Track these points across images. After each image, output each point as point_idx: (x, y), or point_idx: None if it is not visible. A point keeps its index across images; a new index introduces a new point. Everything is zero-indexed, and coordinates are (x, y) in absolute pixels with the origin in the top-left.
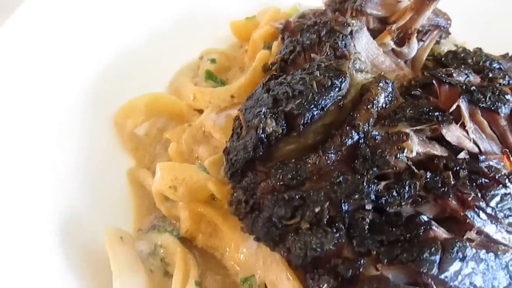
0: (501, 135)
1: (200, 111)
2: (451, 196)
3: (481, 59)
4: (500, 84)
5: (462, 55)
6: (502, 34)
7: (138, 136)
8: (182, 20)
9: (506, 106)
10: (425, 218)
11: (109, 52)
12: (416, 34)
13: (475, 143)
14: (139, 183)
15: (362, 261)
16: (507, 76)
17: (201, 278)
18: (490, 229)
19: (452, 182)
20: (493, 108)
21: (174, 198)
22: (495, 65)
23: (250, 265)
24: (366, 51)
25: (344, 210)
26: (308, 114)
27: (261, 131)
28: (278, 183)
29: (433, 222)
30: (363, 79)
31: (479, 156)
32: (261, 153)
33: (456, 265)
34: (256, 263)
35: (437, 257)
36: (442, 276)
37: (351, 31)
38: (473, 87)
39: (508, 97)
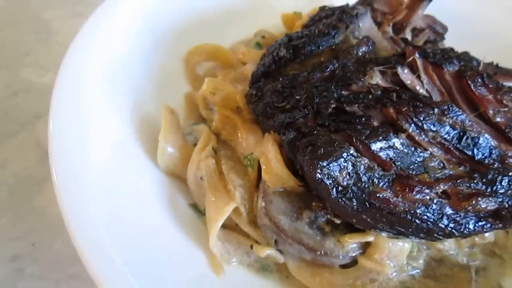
0: (448, 90)
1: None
2: (392, 106)
3: (461, 55)
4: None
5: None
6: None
7: (198, 72)
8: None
9: (451, 65)
10: (370, 119)
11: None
12: (410, 28)
13: (428, 92)
14: (192, 101)
15: (318, 128)
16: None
17: (217, 149)
18: (416, 134)
19: (395, 100)
20: (439, 63)
21: (211, 101)
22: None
23: (251, 149)
24: (367, 31)
25: (315, 102)
26: (307, 48)
27: (276, 55)
28: (278, 85)
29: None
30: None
31: None
32: (273, 69)
33: (380, 141)
34: (256, 147)
35: (367, 131)
36: (367, 142)
37: (357, 13)
38: (429, 49)
39: (454, 61)
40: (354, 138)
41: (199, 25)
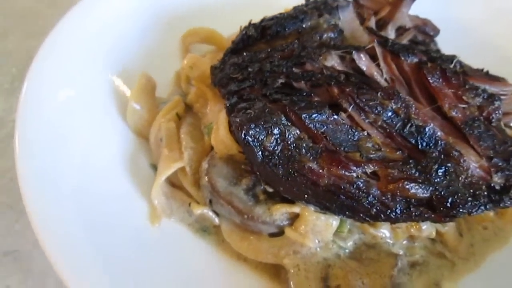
0: (408, 81)
1: None
2: (336, 86)
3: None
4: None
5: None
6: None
7: (191, 52)
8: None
9: (410, 56)
10: (312, 95)
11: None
12: (395, 26)
13: (387, 82)
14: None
15: (260, 97)
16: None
17: (181, 116)
18: (356, 114)
19: (342, 81)
20: (398, 53)
21: (190, 75)
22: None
23: (213, 119)
24: (348, 24)
25: (265, 75)
26: (274, 29)
27: (245, 33)
28: (240, 60)
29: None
30: None
31: None
32: (241, 46)
33: (313, 114)
34: (215, 119)
35: (302, 104)
36: (299, 113)
37: (337, 5)
38: (391, 40)
39: (416, 53)
40: (287, 108)
41: (201, 14)
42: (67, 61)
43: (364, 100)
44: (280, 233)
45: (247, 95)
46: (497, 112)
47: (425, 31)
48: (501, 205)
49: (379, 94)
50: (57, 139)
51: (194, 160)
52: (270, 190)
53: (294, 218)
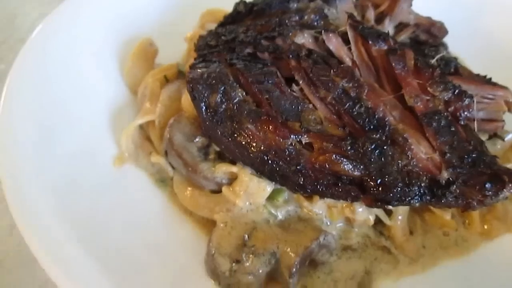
0: (376, 67)
1: None
2: (295, 60)
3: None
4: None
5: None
6: None
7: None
8: None
9: (380, 42)
10: (268, 64)
11: None
12: (394, 21)
13: (356, 65)
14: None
15: (221, 60)
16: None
17: (170, 79)
18: (306, 88)
19: (303, 56)
20: (368, 39)
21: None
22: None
23: None
24: (346, 14)
25: (237, 45)
26: (260, 6)
27: (235, 9)
28: (222, 30)
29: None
30: None
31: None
32: (230, 21)
33: (260, 79)
34: None
35: (253, 69)
36: (247, 77)
37: None
38: (364, 25)
39: (387, 39)
40: (239, 71)
41: None
42: (75, 25)
43: (317, 75)
44: (219, 191)
45: (209, 57)
46: (466, 110)
47: (430, 31)
48: (442, 201)
49: (332, 71)
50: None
51: (165, 116)
52: (217, 148)
53: (233, 179)
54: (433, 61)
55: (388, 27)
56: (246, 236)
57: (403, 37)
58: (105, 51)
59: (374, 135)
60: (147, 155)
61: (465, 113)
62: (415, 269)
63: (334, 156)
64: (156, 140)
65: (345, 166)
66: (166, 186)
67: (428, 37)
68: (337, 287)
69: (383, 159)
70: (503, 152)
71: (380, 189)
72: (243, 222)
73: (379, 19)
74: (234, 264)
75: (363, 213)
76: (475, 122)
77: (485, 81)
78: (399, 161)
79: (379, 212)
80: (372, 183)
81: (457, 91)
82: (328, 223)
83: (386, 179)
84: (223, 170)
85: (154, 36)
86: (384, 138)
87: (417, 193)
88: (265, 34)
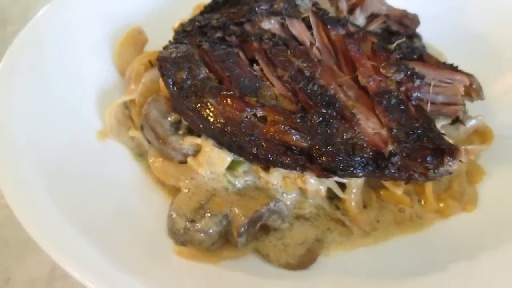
0: (335, 50)
1: None
2: (257, 42)
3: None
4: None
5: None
6: None
7: None
8: None
9: (338, 27)
10: (232, 46)
11: None
12: (365, 12)
13: (318, 49)
14: None
15: (191, 43)
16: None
17: (154, 64)
18: (265, 67)
19: (266, 39)
20: (327, 23)
21: None
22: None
23: None
24: (320, 3)
25: (208, 30)
26: None
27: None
28: (199, 18)
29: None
30: None
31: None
32: (209, 10)
33: (223, 58)
34: None
35: (218, 50)
36: (211, 56)
37: None
38: (325, 12)
39: (346, 24)
40: (204, 51)
41: None
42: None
43: (275, 56)
44: (186, 161)
45: (181, 39)
46: (417, 91)
47: (402, 22)
48: (386, 172)
49: (289, 52)
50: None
51: (145, 96)
52: (185, 122)
53: (198, 151)
54: (392, 46)
55: (359, 17)
56: (204, 200)
57: (374, 27)
58: (99, 38)
59: (322, 109)
60: (127, 131)
61: (416, 93)
62: (368, 241)
63: (284, 127)
64: (135, 116)
65: (294, 137)
66: (143, 159)
67: (399, 27)
68: (286, 251)
69: (328, 131)
70: (466, 136)
71: (324, 158)
72: (204, 189)
73: (352, 10)
74: (188, 223)
75: (315, 184)
76: (429, 103)
77: (447, 67)
78: (344, 134)
79: (332, 184)
80: (318, 153)
81: (409, 72)
82: (283, 193)
83: (330, 149)
84: (189, 142)
85: (148, 26)
86: (334, 114)
87: (360, 163)
88: (236, 21)
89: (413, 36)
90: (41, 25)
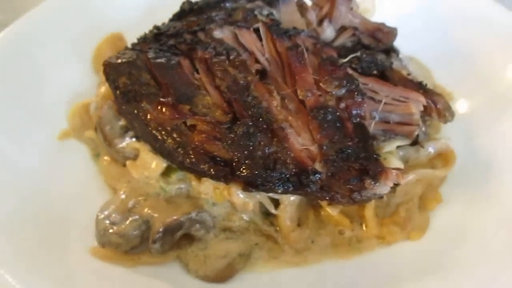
0: (282, 62)
1: None
2: (201, 51)
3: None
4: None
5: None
6: None
7: None
8: None
9: (285, 39)
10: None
11: None
12: (336, 24)
13: (267, 60)
14: None
15: (141, 49)
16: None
17: None
18: (204, 76)
19: (210, 48)
20: (275, 35)
21: None
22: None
23: None
24: (289, 15)
25: (163, 38)
26: (199, 5)
27: (181, 8)
28: (162, 26)
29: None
30: None
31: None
32: (176, 18)
33: (164, 66)
34: None
35: (162, 58)
36: (153, 63)
37: None
38: (275, 23)
39: (293, 37)
40: (147, 58)
41: None
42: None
43: (214, 65)
44: None
45: (134, 47)
46: (358, 107)
47: (374, 36)
48: (307, 190)
49: (227, 62)
50: None
51: (106, 99)
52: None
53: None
54: (344, 60)
55: (327, 29)
56: (132, 204)
57: (342, 40)
58: (80, 42)
59: (251, 123)
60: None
61: (356, 110)
62: (298, 261)
63: (210, 137)
64: (95, 118)
65: (218, 148)
66: (99, 160)
67: (371, 41)
68: (206, 262)
69: (251, 144)
70: (427, 160)
71: (244, 171)
72: (138, 193)
73: (321, 21)
74: (109, 225)
75: (242, 197)
76: (373, 122)
77: (413, 85)
78: (267, 148)
79: (264, 199)
80: (238, 165)
81: (352, 88)
82: (214, 204)
83: (249, 162)
84: (131, 146)
85: (129, 33)
86: (265, 126)
87: (279, 179)
88: (190, 29)
89: (390, 50)
90: (20, 29)
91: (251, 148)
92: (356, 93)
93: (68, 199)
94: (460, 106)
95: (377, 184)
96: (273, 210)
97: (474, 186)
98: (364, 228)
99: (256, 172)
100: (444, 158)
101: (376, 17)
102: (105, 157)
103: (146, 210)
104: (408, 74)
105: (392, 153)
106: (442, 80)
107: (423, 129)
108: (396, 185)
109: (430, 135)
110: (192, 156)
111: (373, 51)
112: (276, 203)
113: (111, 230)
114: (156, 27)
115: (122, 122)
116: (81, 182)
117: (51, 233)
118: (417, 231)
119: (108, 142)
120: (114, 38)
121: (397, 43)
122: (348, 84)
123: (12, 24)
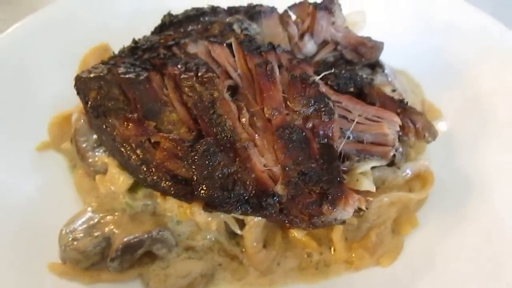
0: (253, 78)
1: None
2: (171, 66)
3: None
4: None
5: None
6: None
7: None
8: None
9: (256, 56)
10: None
11: None
12: (318, 38)
13: (239, 76)
14: None
15: (115, 63)
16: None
17: None
18: (171, 91)
19: (179, 64)
20: (246, 51)
21: None
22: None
23: None
24: (271, 29)
25: (138, 52)
26: (179, 18)
27: (162, 21)
28: (141, 39)
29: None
30: None
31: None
32: (158, 31)
33: (132, 81)
34: None
35: (131, 73)
36: (122, 78)
37: (260, 11)
38: (248, 39)
39: (264, 53)
40: (118, 73)
41: None
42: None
43: (182, 81)
44: None
45: (108, 61)
46: (325, 128)
47: (357, 50)
48: (266, 213)
49: (195, 79)
50: None
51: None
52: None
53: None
54: (317, 78)
55: (308, 43)
56: (96, 219)
57: (323, 54)
58: (68, 54)
59: (213, 141)
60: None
61: (323, 130)
62: (262, 283)
63: (171, 155)
64: (73, 130)
65: (179, 166)
66: (76, 171)
67: (354, 56)
68: (166, 281)
69: (210, 163)
70: (404, 181)
71: (202, 191)
72: (104, 209)
73: (302, 35)
74: (70, 240)
75: (204, 216)
76: (343, 142)
77: (394, 103)
78: (227, 168)
79: (229, 219)
80: (197, 185)
81: (322, 107)
82: (178, 222)
83: (207, 182)
84: (100, 160)
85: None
86: (228, 145)
87: (237, 200)
88: (167, 43)
89: (375, 65)
90: (4, 42)
91: (210, 168)
92: (324, 113)
93: (41, 211)
94: (446, 124)
95: (334, 209)
96: (237, 231)
97: (452, 210)
98: (332, 252)
99: (214, 193)
100: (422, 179)
101: (367, 30)
102: (79, 170)
103: (109, 226)
104: (394, 90)
105: (365, 174)
106: (433, 95)
107: (400, 149)
108: (360, 209)
109: (409, 156)
110: (154, 174)
111: (356, 66)
112: (242, 223)
113: (71, 246)
114: (134, 41)
115: (95, 136)
116: (57, 194)
117: (16, 244)
118: (387, 257)
119: (81, 155)
120: (101, 49)
121: (388, 56)
122: (316, 103)
123: None
